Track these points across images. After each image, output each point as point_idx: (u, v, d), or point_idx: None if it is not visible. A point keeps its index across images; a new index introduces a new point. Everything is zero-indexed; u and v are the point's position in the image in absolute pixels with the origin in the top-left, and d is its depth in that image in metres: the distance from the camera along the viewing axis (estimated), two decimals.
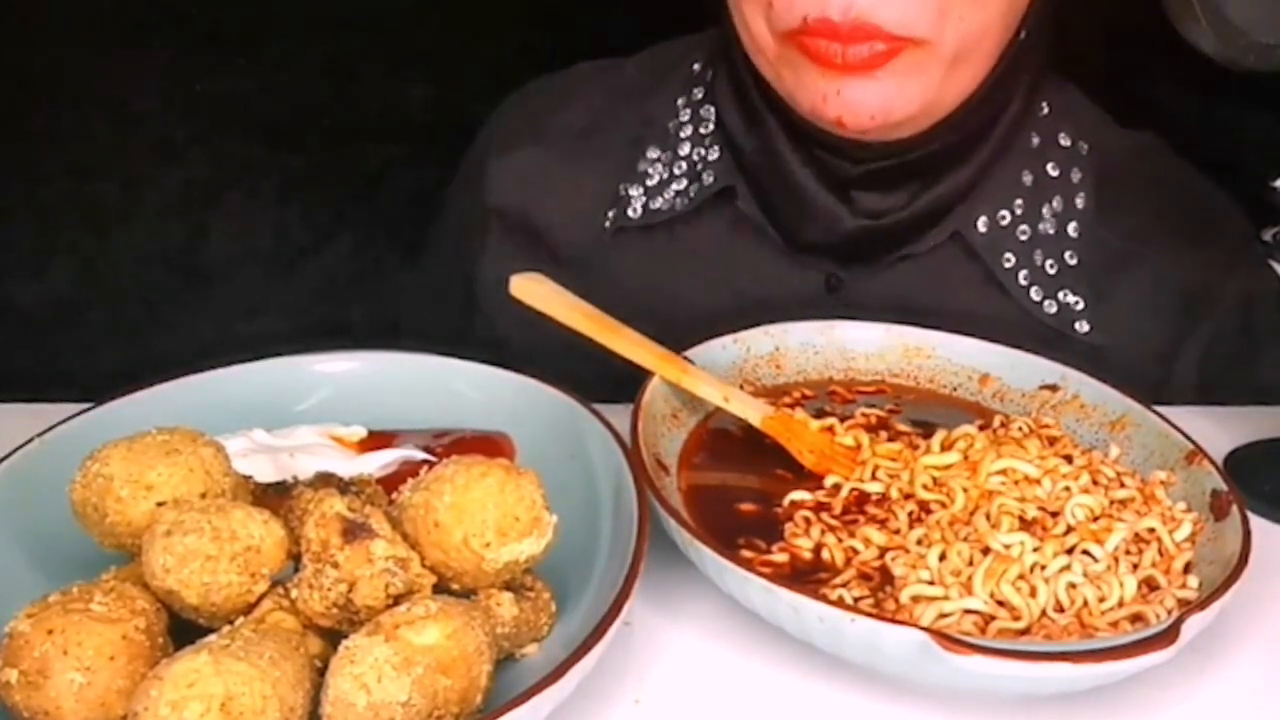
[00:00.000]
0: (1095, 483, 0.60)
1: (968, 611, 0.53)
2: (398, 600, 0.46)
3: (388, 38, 1.36)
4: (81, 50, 1.29)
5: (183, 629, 0.46)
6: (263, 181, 1.39)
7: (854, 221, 0.78)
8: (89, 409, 0.59)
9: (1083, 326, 0.79)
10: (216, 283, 1.40)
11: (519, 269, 0.69)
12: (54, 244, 1.34)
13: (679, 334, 0.69)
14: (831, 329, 0.74)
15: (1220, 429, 0.70)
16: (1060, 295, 0.80)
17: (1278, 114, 0.66)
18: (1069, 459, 0.62)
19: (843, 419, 0.68)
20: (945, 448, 0.63)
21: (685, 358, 0.67)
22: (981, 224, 0.79)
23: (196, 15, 1.30)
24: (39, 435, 0.57)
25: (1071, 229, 0.81)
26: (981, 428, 0.65)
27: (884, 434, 0.66)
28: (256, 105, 1.35)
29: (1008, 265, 0.80)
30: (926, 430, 0.65)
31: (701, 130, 0.84)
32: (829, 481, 0.62)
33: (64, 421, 0.58)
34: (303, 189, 1.40)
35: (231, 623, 0.46)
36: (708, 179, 0.82)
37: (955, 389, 0.73)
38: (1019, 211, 0.80)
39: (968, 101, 0.75)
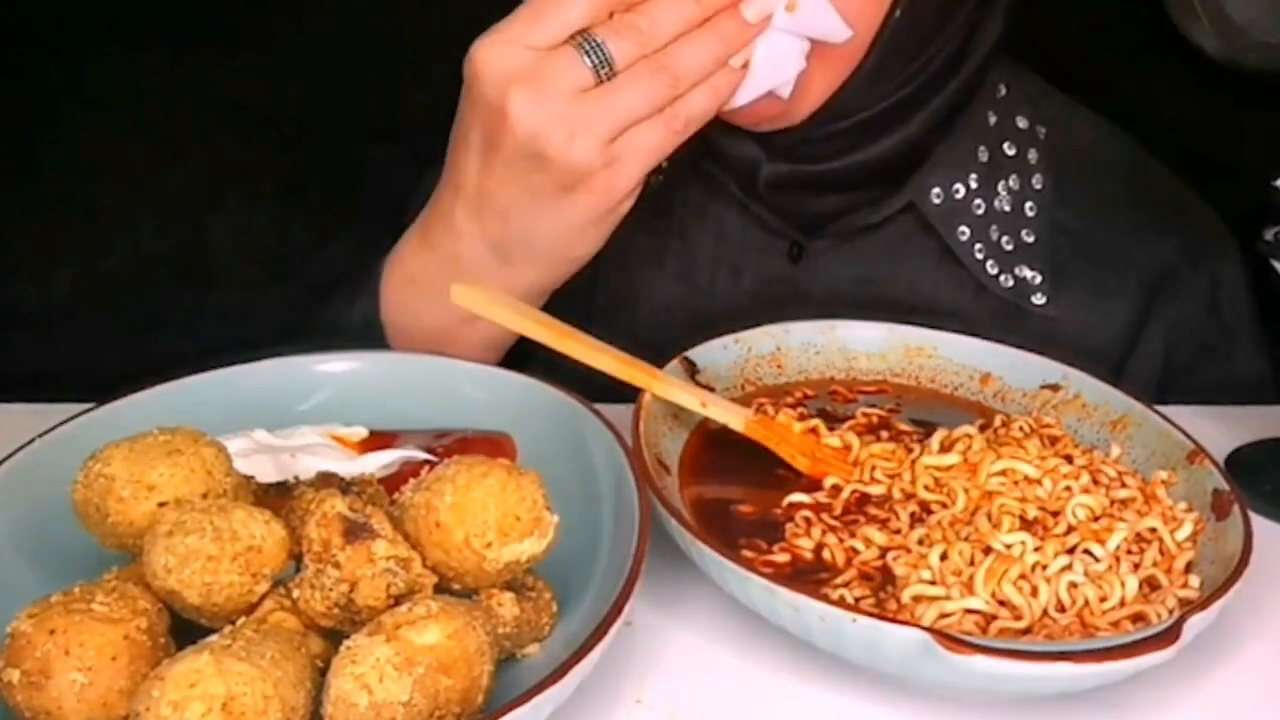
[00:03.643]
0: (1096, 482, 0.60)
1: (969, 611, 0.53)
2: (399, 600, 0.46)
3: (388, 38, 1.36)
4: (82, 50, 1.29)
5: (184, 629, 0.46)
6: (263, 181, 1.39)
7: (771, 167, 0.78)
8: (90, 409, 0.59)
9: (1039, 299, 0.80)
10: (217, 283, 1.40)
11: None
12: (55, 245, 1.34)
13: (662, 302, 0.68)
14: (833, 329, 0.74)
15: (1221, 429, 0.70)
16: (1016, 270, 0.81)
17: (1278, 114, 0.66)
18: (1069, 459, 0.62)
19: (844, 419, 0.68)
20: (945, 448, 0.63)
21: (650, 364, 0.65)
22: (935, 195, 0.80)
23: (197, 15, 1.30)
24: (40, 435, 0.57)
25: (1028, 208, 0.82)
26: (983, 428, 0.65)
27: (885, 434, 0.66)
28: (256, 105, 1.35)
29: (963, 238, 0.81)
30: (928, 430, 0.65)
31: None
32: (829, 483, 0.62)
33: (66, 422, 0.58)
34: (303, 189, 1.40)
35: (233, 623, 0.46)
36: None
37: (956, 389, 0.73)
38: (974, 185, 0.81)
39: (847, 84, 0.74)
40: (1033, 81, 0.86)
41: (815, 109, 0.75)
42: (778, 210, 0.82)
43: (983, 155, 0.81)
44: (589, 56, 0.62)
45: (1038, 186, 0.82)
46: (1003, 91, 0.83)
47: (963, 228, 0.81)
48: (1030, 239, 0.81)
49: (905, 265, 0.82)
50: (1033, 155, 0.83)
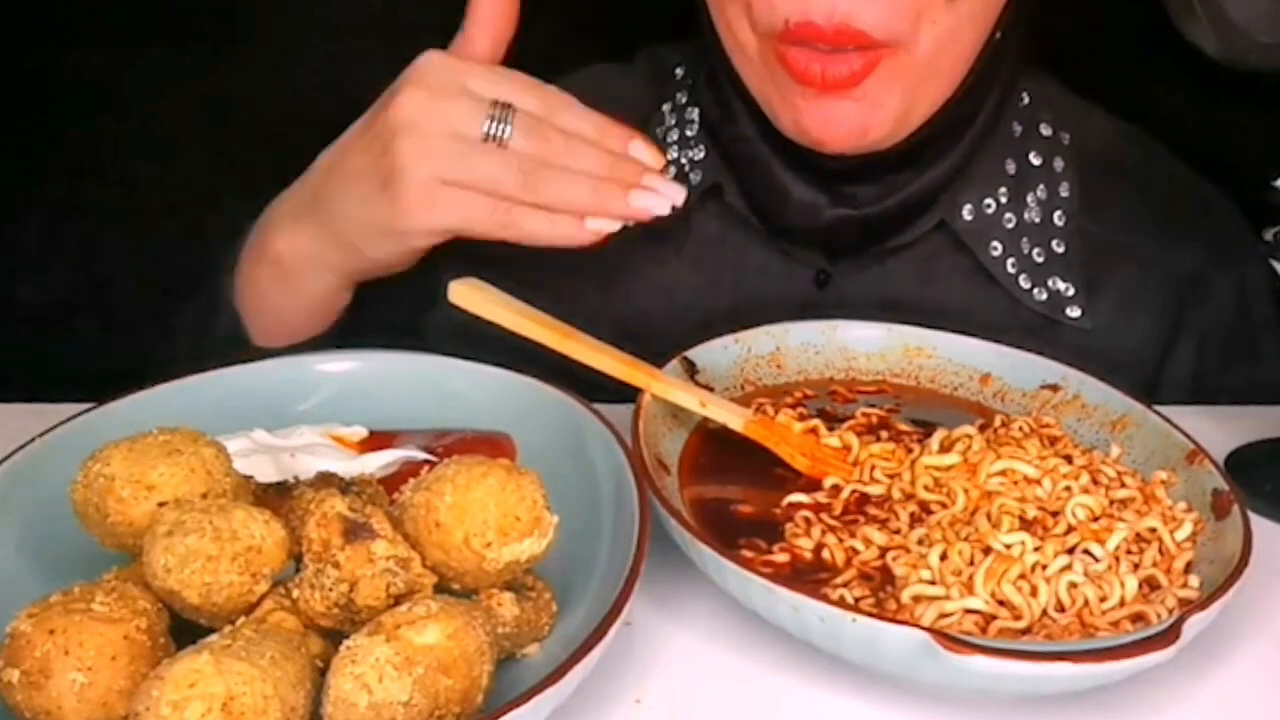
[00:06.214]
0: (1096, 482, 0.60)
1: (969, 611, 0.53)
2: (399, 600, 0.46)
3: (388, 38, 1.36)
4: (82, 50, 1.29)
5: (184, 629, 0.46)
6: (263, 181, 1.39)
7: (833, 211, 0.78)
8: (90, 409, 0.59)
9: (1074, 312, 0.80)
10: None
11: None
12: (54, 244, 1.34)
13: (675, 336, 0.69)
14: (833, 329, 0.74)
15: (1221, 429, 0.70)
16: (1050, 283, 0.80)
17: (1278, 114, 0.66)
18: (1069, 459, 0.62)
19: (844, 419, 0.68)
20: (945, 448, 0.63)
21: (652, 365, 0.65)
22: (967, 212, 0.80)
23: (196, 15, 1.30)
24: (40, 435, 0.57)
25: (1057, 218, 0.81)
26: (982, 428, 0.65)
27: (884, 434, 0.66)
28: (256, 105, 1.35)
29: (995, 253, 0.80)
30: (927, 430, 0.65)
31: (687, 133, 0.84)
32: (828, 483, 0.62)
33: (65, 422, 0.58)
34: None
35: (233, 623, 0.46)
36: (695, 178, 0.83)
37: (956, 389, 0.73)
38: (1004, 199, 0.80)
39: (944, 107, 0.75)
40: (1050, 85, 0.85)
41: (909, 132, 0.74)
42: (804, 241, 0.81)
43: (1010, 168, 0.81)
44: (491, 122, 0.64)
45: (1065, 194, 0.81)
46: (1025, 100, 0.82)
47: (995, 243, 0.80)
48: (1060, 249, 0.80)
49: (935, 284, 0.81)
50: (1058, 163, 0.82)
